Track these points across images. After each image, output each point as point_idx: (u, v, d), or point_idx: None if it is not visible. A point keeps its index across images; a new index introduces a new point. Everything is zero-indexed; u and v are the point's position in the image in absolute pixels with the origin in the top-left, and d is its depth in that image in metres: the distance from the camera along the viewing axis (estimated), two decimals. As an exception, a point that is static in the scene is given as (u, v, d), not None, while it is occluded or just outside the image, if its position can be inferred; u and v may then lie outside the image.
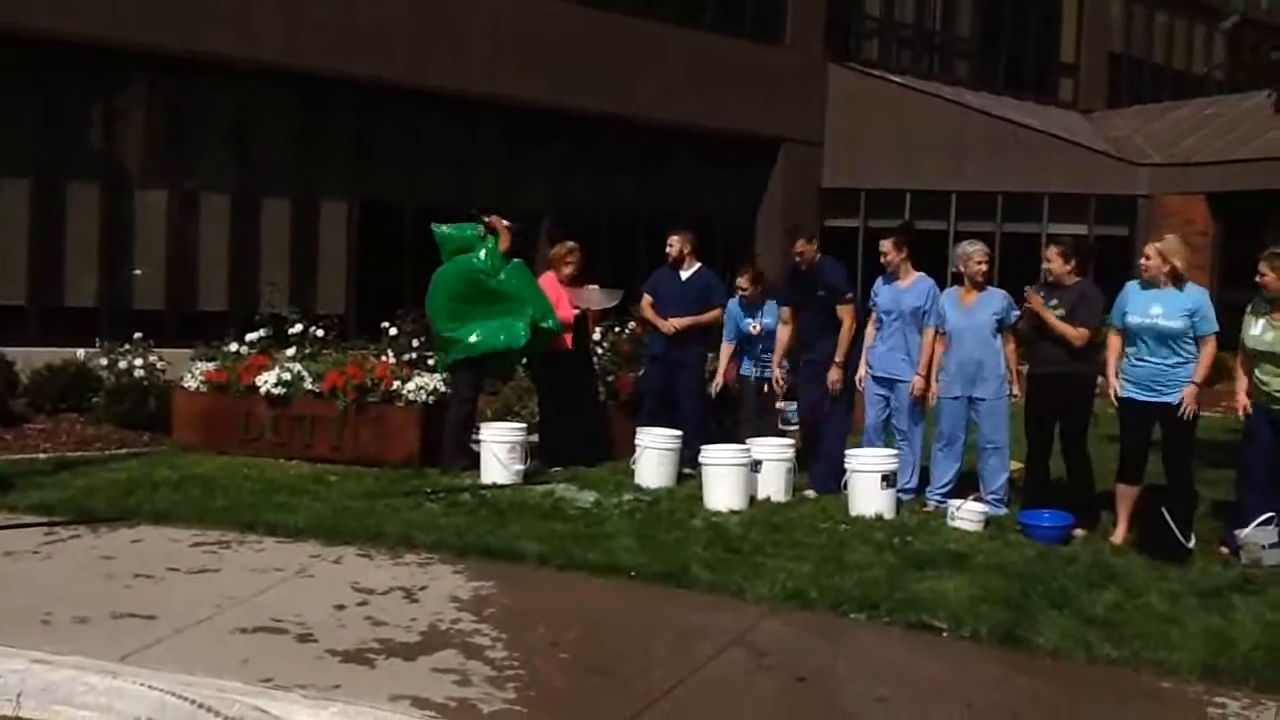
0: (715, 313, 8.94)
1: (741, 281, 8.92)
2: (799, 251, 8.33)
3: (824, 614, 5.47)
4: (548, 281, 8.89)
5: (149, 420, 9.47)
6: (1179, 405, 6.64)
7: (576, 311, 8.89)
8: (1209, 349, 6.67)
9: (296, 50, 13.05)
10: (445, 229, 8.76)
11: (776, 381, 8.49)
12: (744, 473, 7.57)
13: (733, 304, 8.98)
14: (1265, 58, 9.61)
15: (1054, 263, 7.29)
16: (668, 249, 9.13)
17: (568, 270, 9.00)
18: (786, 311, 8.49)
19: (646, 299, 9.11)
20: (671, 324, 8.88)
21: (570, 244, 9.18)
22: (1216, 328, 6.69)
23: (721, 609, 5.51)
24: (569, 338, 8.86)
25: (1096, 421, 7.51)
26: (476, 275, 8.49)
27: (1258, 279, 6.77)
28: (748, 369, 8.97)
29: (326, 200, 14.22)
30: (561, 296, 8.81)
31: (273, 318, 9.71)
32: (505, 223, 8.65)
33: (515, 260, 8.64)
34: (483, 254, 8.52)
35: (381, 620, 5.17)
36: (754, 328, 8.83)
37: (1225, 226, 17.68)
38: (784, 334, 8.50)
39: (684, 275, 9.06)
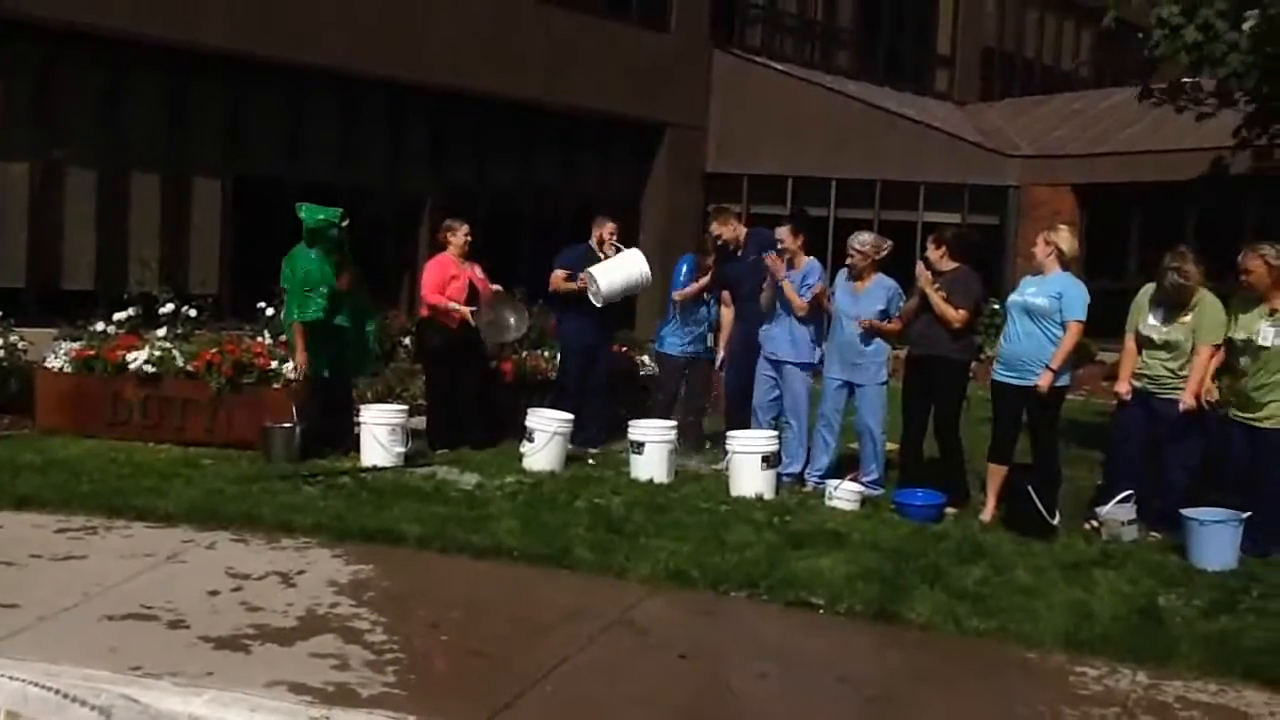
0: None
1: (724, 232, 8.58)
2: (718, 234, 8.43)
3: (705, 593, 5.54)
4: (442, 260, 8.75)
5: (10, 403, 9.07)
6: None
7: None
8: (1071, 333, 6.88)
9: (167, 21, 12.59)
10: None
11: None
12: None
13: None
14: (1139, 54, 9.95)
15: (931, 253, 7.50)
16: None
17: (457, 242, 8.79)
18: (727, 294, 8.59)
19: (559, 272, 8.91)
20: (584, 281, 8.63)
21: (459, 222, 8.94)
22: (1082, 316, 6.90)
23: (604, 589, 5.54)
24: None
25: (969, 405, 7.74)
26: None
27: (1245, 275, 6.64)
28: (679, 346, 8.88)
29: (200, 175, 13.76)
30: (452, 273, 8.70)
31: (142, 297, 9.37)
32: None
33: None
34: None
35: (257, 605, 5.07)
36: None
37: (1090, 217, 18.33)
38: (728, 315, 8.60)
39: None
